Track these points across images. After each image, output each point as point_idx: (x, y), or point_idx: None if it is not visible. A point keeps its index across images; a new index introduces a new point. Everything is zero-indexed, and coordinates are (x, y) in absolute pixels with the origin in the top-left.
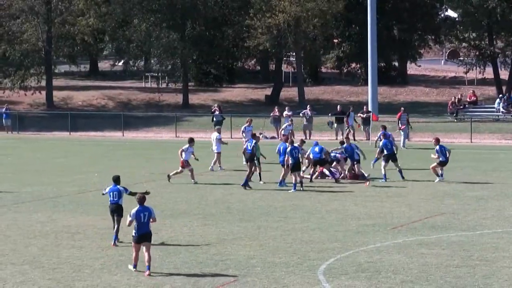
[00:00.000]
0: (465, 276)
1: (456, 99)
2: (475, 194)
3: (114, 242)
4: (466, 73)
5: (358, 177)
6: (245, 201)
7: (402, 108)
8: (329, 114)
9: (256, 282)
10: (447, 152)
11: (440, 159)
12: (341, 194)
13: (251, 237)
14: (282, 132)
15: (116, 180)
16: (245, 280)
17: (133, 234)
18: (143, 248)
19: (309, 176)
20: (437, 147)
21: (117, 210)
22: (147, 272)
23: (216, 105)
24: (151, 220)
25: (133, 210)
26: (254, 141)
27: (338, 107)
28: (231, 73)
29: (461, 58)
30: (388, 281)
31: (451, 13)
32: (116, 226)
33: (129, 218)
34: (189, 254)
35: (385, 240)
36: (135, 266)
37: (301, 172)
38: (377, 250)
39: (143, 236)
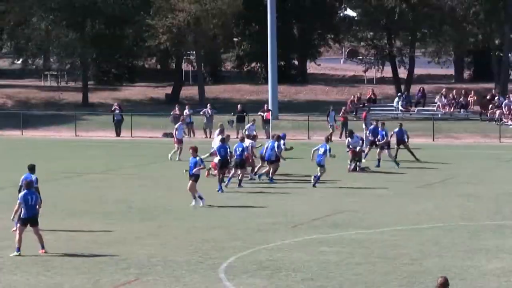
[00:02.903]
0: (365, 273)
1: (356, 98)
2: (375, 192)
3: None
4: (365, 72)
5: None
6: (146, 200)
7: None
8: (231, 114)
9: (158, 281)
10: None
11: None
12: (243, 192)
13: (152, 236)
14: (246, 132)
15: (32, 169)
16: (146, 279)
17: (20, 216)
18: (33, 230)
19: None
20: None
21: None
22: (42, 250)
23: (116, 104)
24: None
25: (21, 194)
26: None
27: (239, 106)
28: (132, 71)
29: (360, 57)
30: (288, 279)
31: (350, 12)
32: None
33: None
34: (89, 253)
35: (286, 238)
36: (18, 250)
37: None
38: (278, 248)
39: (30, 219)
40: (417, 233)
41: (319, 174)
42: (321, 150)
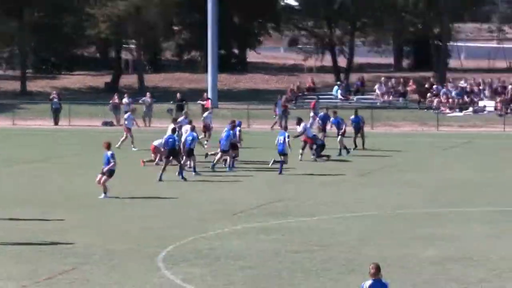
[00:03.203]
0: (304, 261)
1: (295, 86)
2: (313, 180)
3: None
4: (305, 60)
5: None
6: (84, 189)
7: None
8: (171, 102)
9: (95, 270)
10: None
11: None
12: (181, 181)
13: (90, 225)
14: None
15: None
16: (84, 268)
17: None
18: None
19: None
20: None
21: None
22: None
23: (54, 92)
24: None
25: None
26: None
27: (178, 94)
28: (70, 60)
29: (300, 46)
30: (227, 267)
31: (290, 1)
32: None
33: None
34: (27, 242)
35: (224, 227)
36: None
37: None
38: (216, 236)
39: None
40: (356, 221)
41: (282, 160)
42: (281, 139)
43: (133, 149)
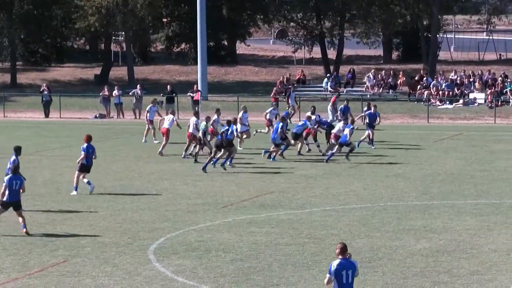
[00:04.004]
0: (294, 253)
1: (285, 79)
2: (304, 172)
3: None
4: (294, 52)
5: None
6: (74, 182)
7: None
8: (161, 95)
9: (86, 262)
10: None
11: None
12: (171, 173)
13: (81, 218)
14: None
15: (18, 150)
16: (75, 260)
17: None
18: (15, 213)
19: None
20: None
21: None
22: (25, 230)
23: (45, 84)
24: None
25: (6, 177)
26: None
27: (168, 86)
28: (60, 52)
29: (290, 38)
30: (218, 259)
31: None
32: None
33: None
34: (19, 234)
35: (215, 219)
36: None
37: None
38: (207, 229)
39: (12, 203)
40: (346, 213)
41: (271, 149)
42: (277, 128)
43: (154, 141)
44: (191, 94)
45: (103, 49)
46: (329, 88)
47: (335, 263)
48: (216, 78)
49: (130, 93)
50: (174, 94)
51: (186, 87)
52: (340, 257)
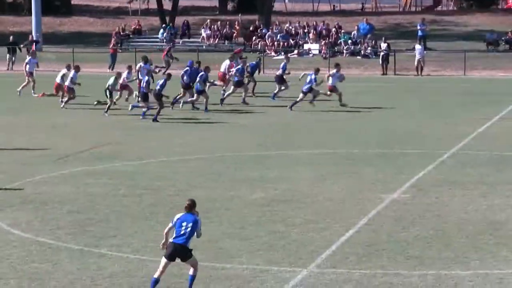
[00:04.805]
0: (132, 205)
1: (120, 29)
2: (141, 124)
3: None
4: (129, 3)
5: None
6: None
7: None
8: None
9: None
10: None
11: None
12: (9, 126)
13: None
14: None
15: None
16: None
17: None
18: None
19: None
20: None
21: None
22: None
23: None
24: None
25: None
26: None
27: (11, 37)
28: None
29: None
30: (54, 211)
31: None
32: None
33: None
34: None
35: (51, 171)
36: None
37: None
38: (43, 181)
39: None
40: (183, 164)
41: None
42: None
43: (34, 95)
44: (27, 45)
45: None
46: (165, 40)
47: (179, 215)
48: (50, 29)
49: None
50: (17, 47)
51: (22, 38)
52: (186, 211)
